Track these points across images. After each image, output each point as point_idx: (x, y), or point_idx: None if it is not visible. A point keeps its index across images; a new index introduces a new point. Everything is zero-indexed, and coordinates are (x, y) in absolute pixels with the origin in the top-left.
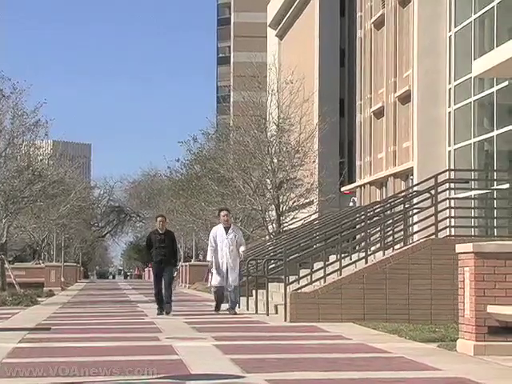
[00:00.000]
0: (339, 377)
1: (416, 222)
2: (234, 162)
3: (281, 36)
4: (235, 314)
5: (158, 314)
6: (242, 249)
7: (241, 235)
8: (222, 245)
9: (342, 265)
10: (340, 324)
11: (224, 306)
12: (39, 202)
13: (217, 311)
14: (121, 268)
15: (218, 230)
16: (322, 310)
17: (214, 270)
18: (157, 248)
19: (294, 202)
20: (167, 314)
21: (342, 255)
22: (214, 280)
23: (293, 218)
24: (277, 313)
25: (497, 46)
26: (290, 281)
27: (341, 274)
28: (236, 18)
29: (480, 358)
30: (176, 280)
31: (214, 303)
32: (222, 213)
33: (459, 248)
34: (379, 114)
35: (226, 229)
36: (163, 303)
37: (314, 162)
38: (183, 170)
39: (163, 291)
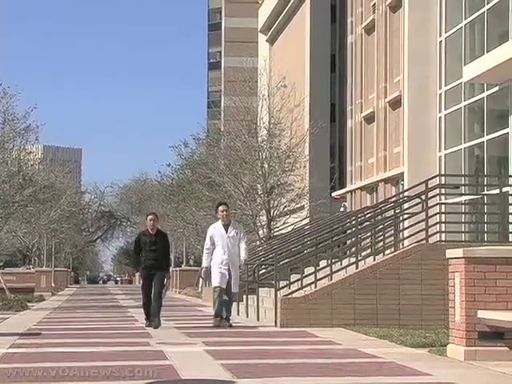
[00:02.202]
0: (329, 382)
1: (406, 228)
2: (224, 167)
3: (272, 41)
4: (230, 326)
5: (146, 326)
6: (242, 256)
7: (243, 232)
8: (223, 244)
9: (333, 270)
10: (330, 329)
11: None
12: (30, 206)
13: (218, 323)
14: (110, 273)
15: (216, 229)
16: (312, 315)
17: (213, 270)
18: (147, 251)
19: (285, 207)
20: (155, 328)
21: (333, 260)
22: (215, 280)
23: (284, 223)
24: (267, 318)
25: (487, 52)
26: (281, 286)
27: (331, 279)
28: (227, 23)
29: (470, 363)
30: (166, 289)
31: (211, 310)
32: (221, 208)
33: (450, 253)
34: (370, 119)
35: (226, 226)
36: (151, 315)
37: (304, 167)
38: (174, 175)
39: (152, 302)
